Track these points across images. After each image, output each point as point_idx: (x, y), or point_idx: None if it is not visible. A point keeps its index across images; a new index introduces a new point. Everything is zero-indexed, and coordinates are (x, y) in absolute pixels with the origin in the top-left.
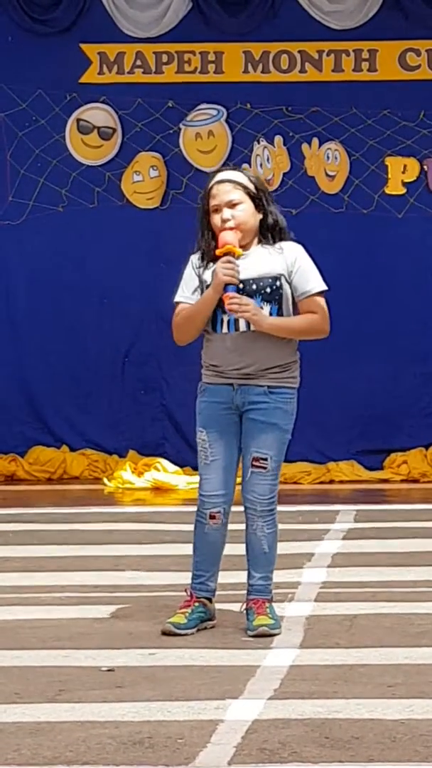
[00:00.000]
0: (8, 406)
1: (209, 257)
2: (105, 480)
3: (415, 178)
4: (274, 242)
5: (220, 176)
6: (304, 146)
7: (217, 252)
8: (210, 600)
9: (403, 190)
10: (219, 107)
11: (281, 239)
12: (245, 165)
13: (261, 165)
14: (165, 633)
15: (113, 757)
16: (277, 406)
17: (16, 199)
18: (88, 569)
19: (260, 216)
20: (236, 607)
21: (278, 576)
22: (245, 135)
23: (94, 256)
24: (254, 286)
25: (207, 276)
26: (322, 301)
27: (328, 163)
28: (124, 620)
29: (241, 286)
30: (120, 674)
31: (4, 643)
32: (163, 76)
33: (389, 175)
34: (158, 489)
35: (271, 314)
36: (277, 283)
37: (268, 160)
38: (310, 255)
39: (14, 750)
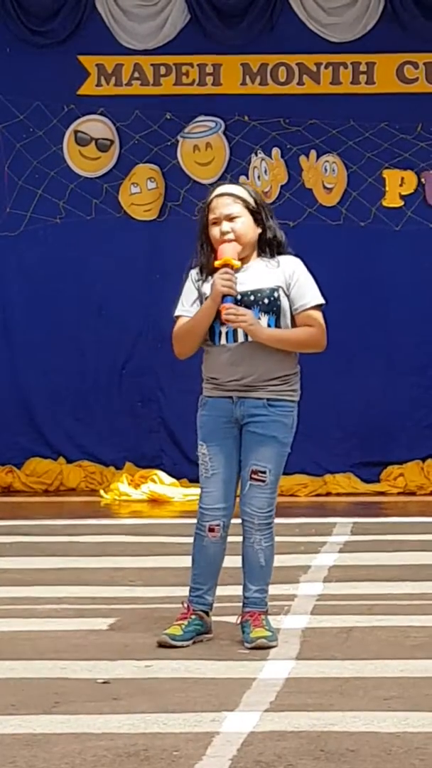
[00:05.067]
0: (5, 417)
1: (208, 270)
2: (102, 492)
3: (412, 191)
4: (273, 256)
5: (220, 189)
6: (302, 158)
7: (215, 264)
8: (207, 613)
9: (401, 203)
10: (217, 119)
11: (279, 253)
12: (243, 178)
13: (259, 177)
14: (161, 644)
15: None
16: (276, 419)
17: (13, 210)
18: (85, 581)
19: (259, 230)
20: (232, 619)
21: (275, 588)
22: (243, 147)
23: (92, 267)
24: (252, 298)
25: (206, 289)
26: (319, 314)
27: (326, 176)
28: (120, 632)
29: (239, 297)
30: (116, 686)
31: (0, 655)
32: (161, 88)
33: (387, 188)
34: (155, 501)
35: (269, 325)
36: (275, 294)
37: (265, 172)
38: (309, 268)
39: (10, 762)
